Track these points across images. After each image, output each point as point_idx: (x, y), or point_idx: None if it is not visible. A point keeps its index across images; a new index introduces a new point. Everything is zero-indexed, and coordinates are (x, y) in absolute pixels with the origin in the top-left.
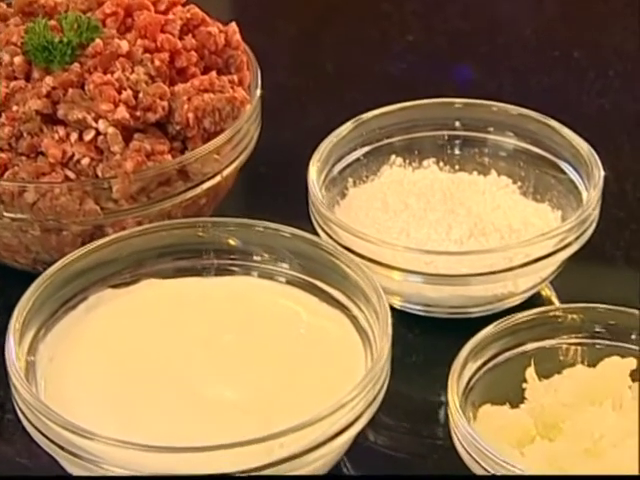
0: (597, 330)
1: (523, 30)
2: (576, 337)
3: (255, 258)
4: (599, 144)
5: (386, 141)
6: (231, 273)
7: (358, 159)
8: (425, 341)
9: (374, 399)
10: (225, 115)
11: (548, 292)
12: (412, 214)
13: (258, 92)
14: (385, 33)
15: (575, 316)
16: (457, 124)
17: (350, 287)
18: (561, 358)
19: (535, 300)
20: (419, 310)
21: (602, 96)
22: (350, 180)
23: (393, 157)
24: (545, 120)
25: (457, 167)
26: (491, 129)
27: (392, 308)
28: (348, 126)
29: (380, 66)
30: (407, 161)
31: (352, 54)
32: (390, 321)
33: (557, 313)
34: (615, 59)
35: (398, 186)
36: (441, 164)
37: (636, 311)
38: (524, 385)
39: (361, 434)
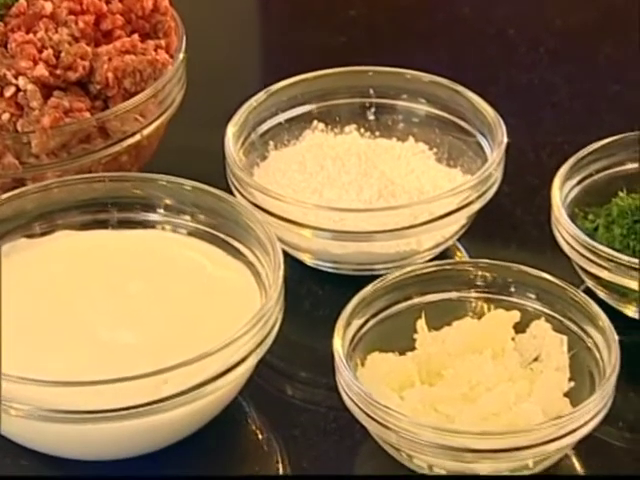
0: (485, 284)
1: (462, 8)
2: (466, 291)
3: (160, 211)
4: (523, 116)
5: (306, 107)
6: (139, 225)
7: (280, 124)
8: (334, 296)
9: (263, 340)
10: (146, 76)
11: (459, 254)
12: (327, 176)
13: (181, 56)
14: (329, 6)
15: (465, 271)
16: (371, 92)
17: (249, 238)
18: (452, 311)
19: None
20: (329, 267)
21: (531, 71)
22: (271, 143)
23: (315, 122)
24: (454, 86)
25: (377, 133)
26: (405, 96)
27: (305, 265)
28: (265, 92)
29: (321, 38)
30: (329, 127)
31: (294, 26)
32: (282, 266)
33: (447, 267)
34: (546, 36)
35: (317, 150)
36: (362, 130)
37: (522, 266)
38: (415, 336)
39: (260, 377)
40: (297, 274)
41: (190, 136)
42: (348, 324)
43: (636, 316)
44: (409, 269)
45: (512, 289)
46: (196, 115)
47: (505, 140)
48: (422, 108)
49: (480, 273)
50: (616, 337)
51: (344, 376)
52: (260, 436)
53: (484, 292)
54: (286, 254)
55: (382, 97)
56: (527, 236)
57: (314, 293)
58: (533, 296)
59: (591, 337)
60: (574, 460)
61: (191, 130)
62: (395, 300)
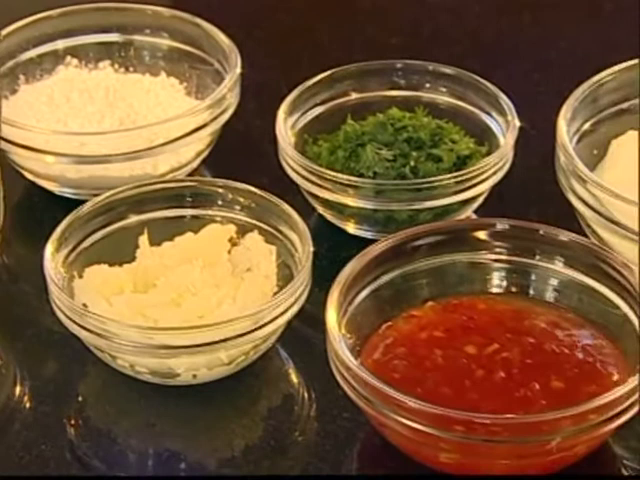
0: (200, 201)
1: None
2: (187, 209)
3: None
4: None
5: (56, 43)
6: None
7: (31, 59)
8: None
9: None
10: None
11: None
12: (72, 107)
13: None
14: None
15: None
16: (114, 29)
17: None
18: (175, 228)
19: None
20: (70, 193)
21: None
22: (22, 77)
23: (69, 58)
24: (193, 19)
25: (131, 69)
26: (148, 31)
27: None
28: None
29: None
30: (83, 62)
31: None
32: None
33: (171, 186)
34: None
35: (67, 84)
36: (116, 66)
37: (239, 184)
38: (138, 251)
39: None
40: (43, 203)
41: None
42: (65, 240)
43: (357, 233)
44: (126, 187)
45: (227, 204)
46: None
47: (239, 68)
48: (165, 42)
49: (197, 191)
50: (309, 238)
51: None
52: None
53: (199, 208)
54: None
55: (128, 33)
56: (263, 161)
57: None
58: (247, 210)
59: (291, 242)
60: None
61: None
62: (117, 217)
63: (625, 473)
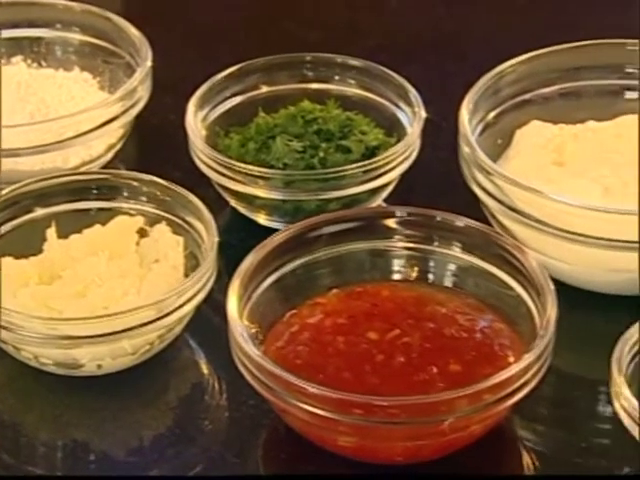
0: (108, 194)
1: None
2: (91, 201)
3: None
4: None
5: None
6: None
7: None
8: None
9: None
10: None
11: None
12: None
13: None
14: None
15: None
16: (25, 24)
17: None
18: (84, 220)
19: None
20: None
21: None
22: None
23: None
24: (103, 13)
25: (44, 64)
26: (59, 26)
27: None
28: None
29: None
30: None
31: None
32: None
33: (83, 178)
34: None
35: None
36: (29, 61)
37: (155, 178)
38: (45, 244)
39: None
40: None
41: None
42: None
43: (267, 224)
44: (31, 180)
45: (134, 196)
46: None
47: (150, 61)
48: (77, 37)
49: (103, 183)
50: (214, 228)
51: None
52: None
53: (106, 200)
54: None
55: (38, 27)
56: (177, 155)
57: None
58: (155, 202)
59: (198, 232)
60: None
61: None
62: (23, 211)
63: (525, 454)
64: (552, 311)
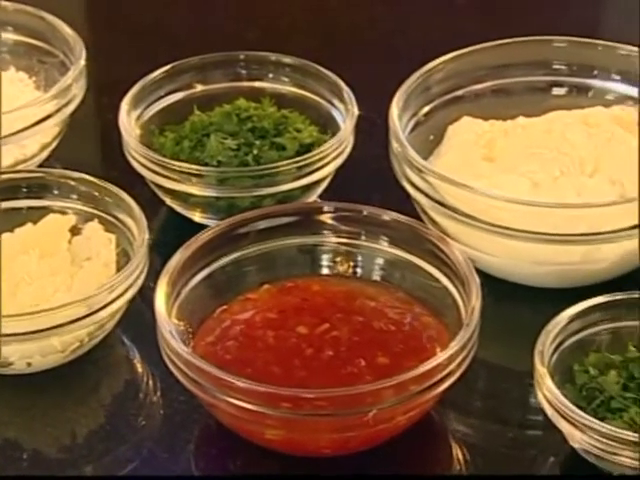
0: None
1: None
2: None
3: None
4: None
5: None
6: None
7: None
8: None
9: None
10: None
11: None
12: None
13: None
14: None
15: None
16: None
17: None
18: (14, 219)
19: None
20: None
21: None
22: None
23: None
24: (37, 12)
25: None
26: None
27: None
28: None
29: None
30: None
31: None
32: None
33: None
34: None
35: None
36: None
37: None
38: None
39: None
40: None
41: None
42: None
43: (203, 221)
44: None
45: (65, 194)
46: None
47: (84, 60)
48: (10, 37)
49: (33, 182)
50: (145, 225)
51: None
52: None
53: (37, 199)
54: None
55: None
56: (114, 154)
57: None
58: (87, 200)
59: (130, 230)
60: None
61: None
62: None
63: (455, 445)
64: (477, 301)
